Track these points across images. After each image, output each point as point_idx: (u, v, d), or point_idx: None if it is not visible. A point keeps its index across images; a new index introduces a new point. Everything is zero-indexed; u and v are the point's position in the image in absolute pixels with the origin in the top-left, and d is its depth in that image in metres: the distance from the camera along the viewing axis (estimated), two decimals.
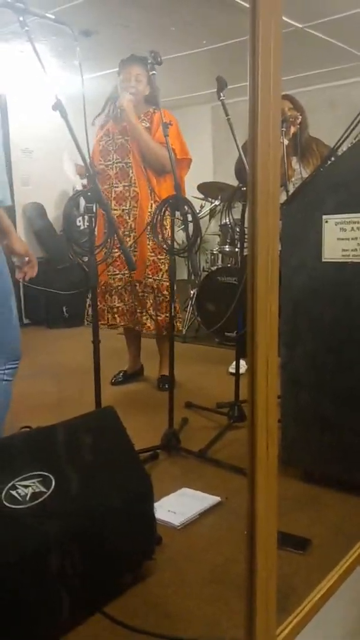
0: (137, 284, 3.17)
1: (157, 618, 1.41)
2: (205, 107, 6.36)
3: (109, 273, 3.20)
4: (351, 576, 1.53)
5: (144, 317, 3.20)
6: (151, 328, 3.21)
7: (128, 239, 3.10)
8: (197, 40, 4.42)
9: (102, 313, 3.28)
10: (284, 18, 3.89)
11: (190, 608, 1.45)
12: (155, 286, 3.15)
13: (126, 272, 3.14)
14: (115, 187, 3.16)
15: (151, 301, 3.18)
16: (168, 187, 3.10)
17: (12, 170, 5.47)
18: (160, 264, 3.16)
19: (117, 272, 3.20)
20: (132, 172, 3.11)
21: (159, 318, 3.18)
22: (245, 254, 2.77)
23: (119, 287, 3.21)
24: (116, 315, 3.25)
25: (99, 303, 3.24)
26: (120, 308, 3.26)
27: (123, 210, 3.14)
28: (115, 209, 3.13)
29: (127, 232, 3.13)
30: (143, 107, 3.13)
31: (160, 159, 3.01)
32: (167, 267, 3.15)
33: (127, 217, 3.14)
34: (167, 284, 3.16)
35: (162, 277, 3.16)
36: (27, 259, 2.05)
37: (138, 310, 3.23)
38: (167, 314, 3.15)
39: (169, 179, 3.12)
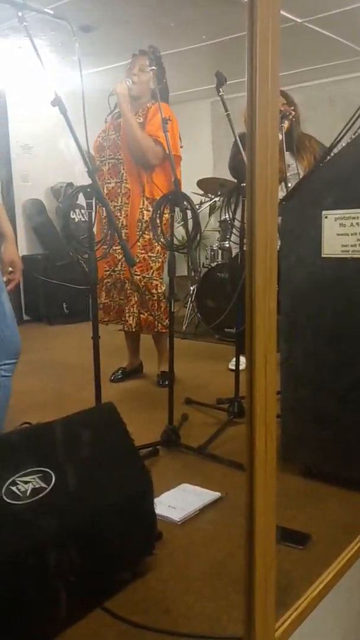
0: (126, 282, 3.16)
1: (157, 613, 1.42)
2: (204, 102, 6.34)
3: (109, 270, 3.19)
4: (350, 570, 1.54)
5: (127, 315, 3.19)
6: (132, 326, 3.18)
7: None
8: (197, 36, 4.41)
9: (108, 309, 3.27)
10: (283, 12, 3.88)
11: (190, 603, 1.45)
12: (143, 284, 3.13)
13: (117, 268, 3.14)
14: (108, 183, 3.16)
15: (135, 299, 3.16)
16: (161, 184, 3.08)
17: (11, 166, 5.47)
18: (150, 262, 3.14)
19: (107, 268, 3.18)
20: (124, 168, 3.10)
21: (142, 316, 3.16)
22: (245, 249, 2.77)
23: (108, 284, 3.20)
24: (101, 312, 3.23)
25: (104, 299, 3.24)
26: (106, 304, 3.25)
27: (114, 206, 3.12)
28: None
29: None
30: (147, 102, 3.11)
31: (143, 149, 2.99)
32: (158, 265, 3.14)
33: (119, 214, 3.12)
34: (157, 282, 3.15)
35: (151, 275, 3.13)
36: (10, 269, 2.05)
37: (125, 308, 3.21)
38: (152, 313, 3.15)
39: (161, 175, 3.11)
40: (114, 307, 3.26)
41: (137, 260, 3.10)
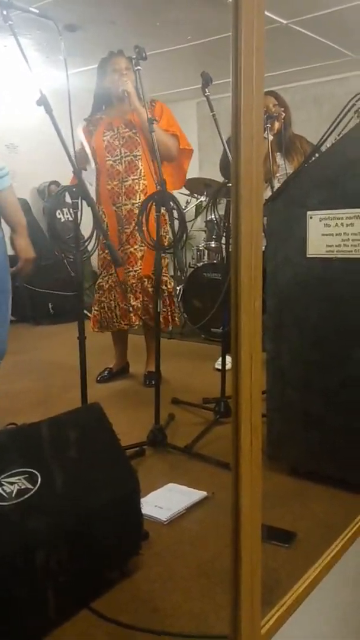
0: (146, 280, 3.16)
1: (144, 613, 1.42)
2: (190, 102, 6.35)
3: (125, 270, 3.16)
4: (334, 567, 1.55)
5: (133, 315, 3.18)
6: (133, 321, 3.19)
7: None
8: (182, 36, 4.42)
9: (126, 314, 3.23)
10: (268, 14, 3.90)
11: (177, 603, 1.46)
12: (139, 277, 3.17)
13: (136, 267, 3.13)
14: (125, 181, 3.13)
15: (133, 296, 3.18)
16: (169, 180, 3.10)
17: None
18: (136, 252, 3.18)
19: (130, 268, 3.16)
20: (141, 165, 3.09)
21: (137, 305, 3.17)
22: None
23: (133, 285, 3.18)
24: (131, 315, 3.19)
25: (119, 303, 3.22)
26: (135, 306, 3.19)
27: (133, 204, 3.10)
28: (125, 204, 3.11)
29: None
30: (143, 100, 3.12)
31: (167, 143, 3.03)
32: (166, 263, 3.22)
33: (137, 211, 3.12)
34: (166, 278, 3.22)
35: (140, 266, 3.18)
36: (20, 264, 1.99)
37: (150, 307, 3.23)
38: (166, 309, 3.20)
39: (174, 169, 3.16)
40: (141, 307, 3.19)
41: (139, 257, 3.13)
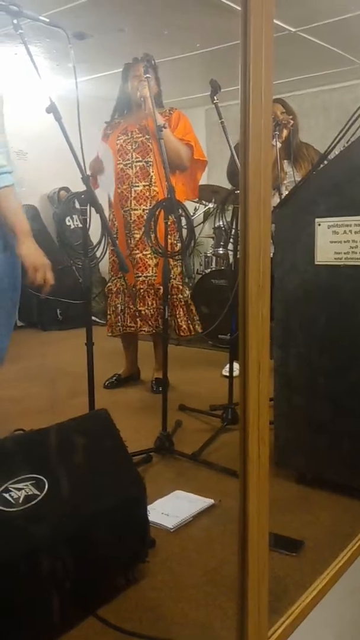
0: (160, 288, 3.15)
1: (150, 621, 1.41)
2: (198, 110, 6.37)
3: (135, 275, 3.17)
4: (343, 577, 1.54)
5: (180, 320, 3.22)
6: (186, 330, 3.23)
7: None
8: (191, 44, 4.44)
9: (134, 318, 3.24)
10: (277, 22, 3.92)
11: (183, 611, 1.45)
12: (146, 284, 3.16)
13: (148, 274, 3.13)
14: (135, 186, 3.13)
15: (182, 304, 3.22)
16: (181, 190, 3.11)
17: None
18: (172, 266, 3.16)
19: (140, 274, 3.16)
20: (153, 172, 3.10)
21: (146, 312, 3.17)
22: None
23: (142, 290, 3.18)
24: (138, 320, 3.20)
25: (128, 306, 3.23)
26: (142, 312, 3.20)
27: (143, 210, 3.11)
28: (135, 209, 3.11)
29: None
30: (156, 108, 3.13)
31: (180, 152, 3.03)
32: (179, 270, 3.22)
33: None
34: (180, 286, 3.21)
35: (176, 279, 3.19)
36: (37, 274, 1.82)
37: (176, 315, 3.24)
38: (187, 317, 3.20)
39: (186, 178, 3.17)
40: (151, 315, 3.19)
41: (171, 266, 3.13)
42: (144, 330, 3.21)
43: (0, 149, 1.80)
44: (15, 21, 1.92)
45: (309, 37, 4.33)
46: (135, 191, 3.14)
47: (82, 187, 2.13)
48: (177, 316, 3.23)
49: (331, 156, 2.04)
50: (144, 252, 3.11)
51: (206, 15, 3.84)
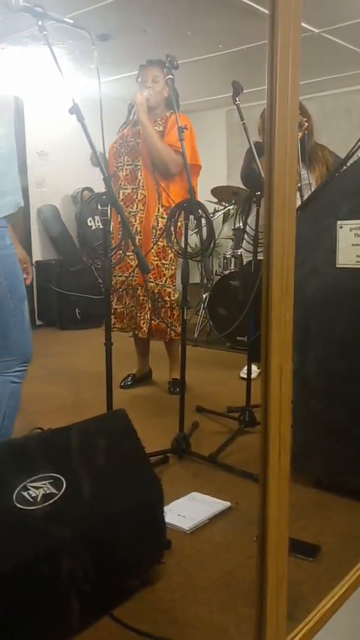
0: (139, 288, 3.16)
1: (164, 623, 1.41)
2: (220, 111, 6.37)
3: (113, 275, 3.18)
4: None
5: (141, 321, 3.19)
6: (145, 332, 3.18)
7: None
8: (213, 45, 4.43)
9: (121, 316, 3.27)
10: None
11: (198, 614, 1.44)
12: (156, 291, 3.14)
13: (128, 275, 3.14)
14: (124, 189, 3.16)
15: (149, 305, 3.16)
16: (177, 192, 3.10)
17: (27, 172, 5.51)
18: (164, 269, 3.14)
19: (120, 274, 3.18)
20: (141, 175, 3.11)
21: (152, 322, 3.15)
22: (259, 258, 2.77)
23: (120, 290, 3.20)
24: (113, 317, 3.23)
25: (116, 305, 3.25)
26: (118, 310, 3.24)
27: (130, 212, 3.13)
28: None
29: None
30: (162, 111, 3.13)
31: (164, 159, 3.01)
32: (171, 273, 3.15)
33: (133, 220, 3.12)
34: (170, 289, 3.16)
35: (165, 282, 3.14)
36: (25, 265, 2.00)
37: (138, 315, 3.22)
38: (164, 320, 3.15)
39: (178, 183, 3.12)
40: (126, 313, 3.25)
41: (151, 267, 3.10)
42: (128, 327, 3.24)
43: None
44: (40, 23, 1.93)
45: (332, 38, 4.30)
46: (123, 193, 3.15)
47: (104, 188, 2.13)
48: (157, 318, 3.20)
49: (354, 158, 2.02)
50: (127, 254, 3.09)
51: (229, 17, 3.83)
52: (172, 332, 3.19)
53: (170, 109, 3.10)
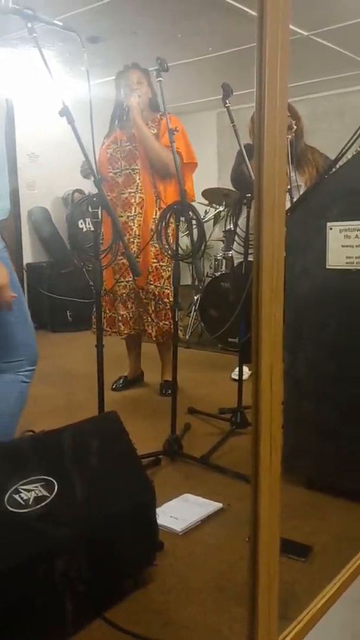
0: (141, 291, 3.17)
1: (158, 625, 1.41)
2: (210, 113, 6.38)
3: (115, 280, 3.18)
4: (353, 583, 1.53)
5: (147, 324, 3.20)
6: (152, 335, 3.20)
7: (132, 245, 3.09)
8: (203, 47, 4.44)
9: (113, 321, 3.27)
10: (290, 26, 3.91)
11: (191, 615, 1.45)
12: (156, 293, 3.14)
13: (130, 279, 3.14)
14: (122, 193, 3.16)
15: (152, 308, 3.17)
16: (173, 193, 3.10)
17: (18, 174, 5.50)
18: (162, 271, 3.15)
19: (122, 279, 3.18)
20: (139, 178, 3.11)
21: (158, 325, 3.17)
22: (249, 259, 2.78)
23: (124, 295, 3.20)
24: (120, 324, 3.24)
25: (108, 311, 3.24)
26: (124, 316, 3.24)
27: (128, 216, 3.14)
28: (120, 216, 3.13)
29: (131, 239, 3.11)
30: (150, 113, 3.14)
31: (164, 160, 3.01)
32: (169, 274, 3.15)
33: (132, 224, 3.13)
34: (169, 291, 3.16)
35: (163, 284, 3.15)
36: None
37: (143, 317, 3.22)
38: (167, 321, 3.15)
39: (174, 184, 3.13)
40: (131, 317, 3.24)
41: (150, 270, 3.12)
42: (125, 333, 3.24)
43: None
44: (29, 25, 1.93)
45: (321, 40, 4.33)
46: (122, 198, 3.16)
47: (95, 190, 2.13)
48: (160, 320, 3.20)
49: (343, 160, 2.03)
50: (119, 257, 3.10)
51: (219, 19, 3.84)
52: (177, 333, 3.22)
53: (155, 110, 3.12)
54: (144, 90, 3.09)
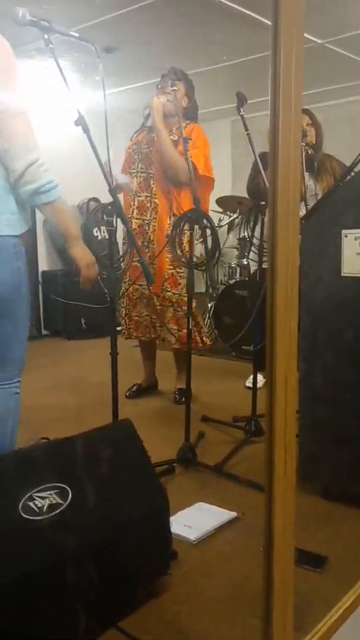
0: (155, 297, 3.17)
1: (171, 635, 1.40)
2: (224, 121, 6.39)
3: (129, 282, 3.18)
4: None
5: (163, 332, 3.20)
6: (172, 343, 3.19)
7: (147, 251, 3.10)
8: (218, 56, 4.46)
9: (137, 325, 3.29)
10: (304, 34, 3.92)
11: (205, 625, 1.43)
12: (174, 300, 3.14)
13: (143, 283, 3.15)
14: (138, 196, 3.17)
15: (170, 315, 3.17)
16: (188, 201, 3.10)
17: None
18: (179, 278, 3.14)
19: (134, 280, 3.16)
20: (153, 183, 3.12)
21: (180, 333, 3.16)
22: (264, 267, 2.77)
23: (134, 297, 3.21)
24: (131, 325, 3.26)
25: (134, 314, 3.26)
26: (135, 318, 3.26)
27: (144, 220, 3.14)
28: (137, 218, 3.14)
29: (145, 244, 3.12)
30: (179, 121, 3.14)
31: (174, 166, 3.00)
32: (186, 281, 3.15)
33: (147, 228, 3.13)
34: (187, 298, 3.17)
35: (181, 291, 3.14)
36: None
37: (157, 325, 3.22)
38: (196, 329, 3.17)
39: (189, 193, 3.12)
40: (141, 321, 3.26)
41: (166, 277, 3.12)
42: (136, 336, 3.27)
43: (45, 165, 1.86)
44: (46, 36, 1.95)
45: (336, 48, 4.33)
46: (138, 200, 3.16)
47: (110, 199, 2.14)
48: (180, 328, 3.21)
49: (358, 167, 2.02)
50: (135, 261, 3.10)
51: (233, 28, 3.86)
52: (201, 339, 3.22)
53: (190, 118, 3.12)
54: (178, 96, 3.07)
